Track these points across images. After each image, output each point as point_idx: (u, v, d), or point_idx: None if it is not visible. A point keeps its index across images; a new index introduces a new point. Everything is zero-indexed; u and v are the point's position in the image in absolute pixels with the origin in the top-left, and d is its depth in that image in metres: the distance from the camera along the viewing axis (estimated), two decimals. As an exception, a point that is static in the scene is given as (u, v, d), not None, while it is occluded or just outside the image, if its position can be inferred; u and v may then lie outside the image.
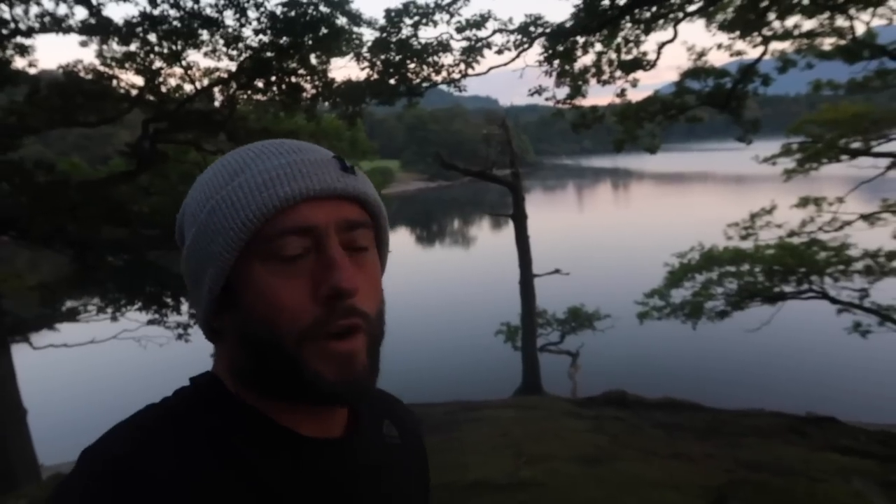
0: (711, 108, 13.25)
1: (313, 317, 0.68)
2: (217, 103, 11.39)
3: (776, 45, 12.50)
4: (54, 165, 10.07)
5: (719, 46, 12.65)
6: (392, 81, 10.46)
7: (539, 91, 12.55)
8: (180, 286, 9.71)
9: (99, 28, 10.16)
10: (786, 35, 12.03)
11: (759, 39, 12.24)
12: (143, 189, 14.00)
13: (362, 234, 0.73)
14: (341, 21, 10.86)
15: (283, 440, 0.72)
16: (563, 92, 12.99)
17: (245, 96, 12.18)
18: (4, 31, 9.08)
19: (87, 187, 8.87)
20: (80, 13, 17.72)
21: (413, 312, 23.90)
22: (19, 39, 9.73)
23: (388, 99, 10.54)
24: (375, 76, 10.52)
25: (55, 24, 9.69)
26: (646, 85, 14.66)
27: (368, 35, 11.32)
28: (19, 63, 10.29)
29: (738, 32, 12.13)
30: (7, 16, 9.13)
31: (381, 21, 10.91)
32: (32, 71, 10.83)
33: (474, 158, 22.75)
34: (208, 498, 0.64)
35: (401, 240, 47.52)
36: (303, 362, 0.68)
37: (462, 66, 11.18)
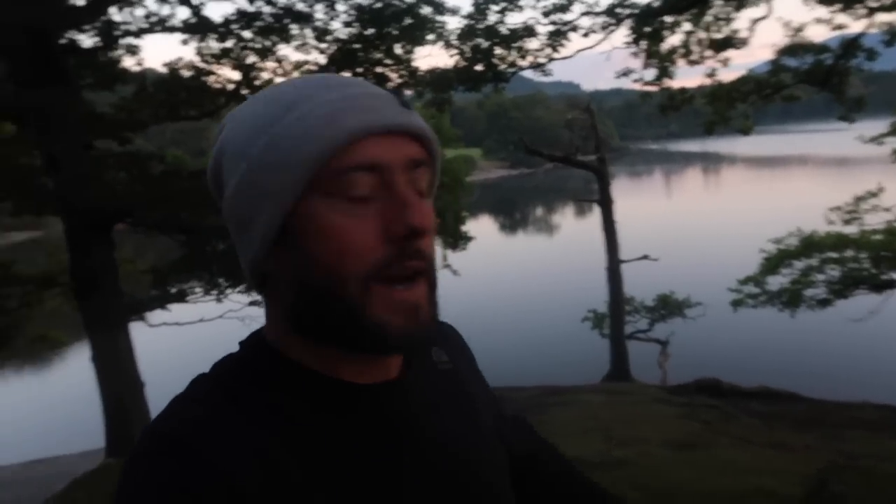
0: (810, 86, 12.60)
1: (382, 256, 0.65)
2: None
3: (882, 17, 11.75)
4: (164, 156, 10.72)
5: (819, 21, 11.99)
6: (479, 68, 10.51)
7: (625, 74, 12.31)
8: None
9: (199, 26, 10.71)
10: (893, 6, 11.29)
11: (863, 11, 11.53)
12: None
13: (423, 173, 0.69)
14: (425, 10, 11.03)
15: (340, 394, 0.69)
16: (649, 74, 12.69)
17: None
18: (115, 33, 9.70)
19: (197, 176, 9.42)
20: (182, 13, 18.53)
21: (498, 300, 23.96)
22: (128, 40, 10.40)
23: (475, 85, 10.59)
24: (463, 63, 10.59)
25: (159, 25, 10.29)
26: (738, 64, 14.04)
27: (453, 24, 11.42)
28: (128, 62, 11.01)
29: (839, 5, 11.47)
30: (118, 18, 9.76)
31: (466, 9, 10.99)
32: (139, 69, 11.58)
33: (556, 145, 22.51)
34: (272, 468, 0.62)
35: (484, 228, 47.62)
36: (367, 310, 0.65)
37: (548, 51, 11.11)
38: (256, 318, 10.81)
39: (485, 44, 10.39)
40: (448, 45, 10.58)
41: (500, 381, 13.56)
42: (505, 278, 27.64)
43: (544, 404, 8.94)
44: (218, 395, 0.66)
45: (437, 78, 10.75)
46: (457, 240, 15.99)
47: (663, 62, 12.76)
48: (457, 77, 10.69)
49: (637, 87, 13.20)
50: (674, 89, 13.19)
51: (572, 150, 16.18)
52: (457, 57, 10.78)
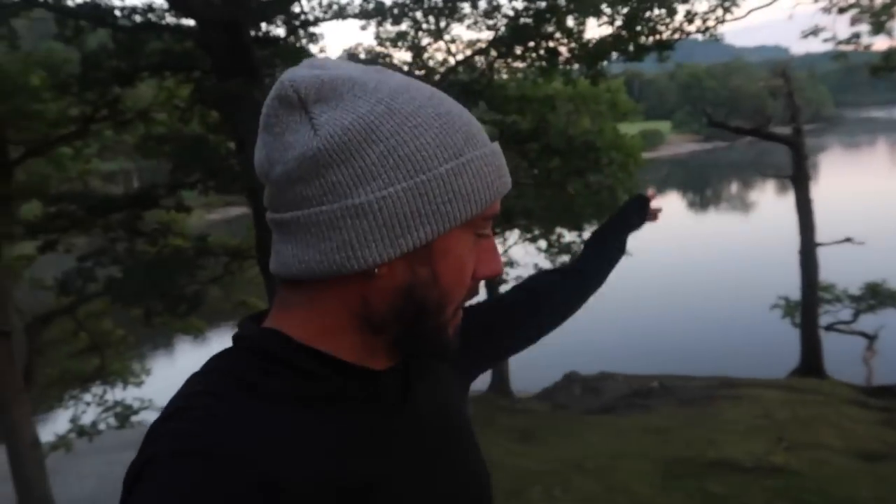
0: None
1: (471, 289, 0.76)
2: (477, 74, 11.85)
3: None
4: None
5: None
6: (640, 35, 9.81)
7: (814, 33, 10.92)
8: None
9: (375, 11, 11.16)
10: None
11: None
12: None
13: None
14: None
15: (365, 377, 0.74)
16: (847, 32, 11.13)
17: (504, 64, 12.48)
18: (296, 23, 10.39)
19: None
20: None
21: (677, 282, 22.76)
22: (311, 29, 11.10)
23: (635, 55, 9.90)
24: (616, 31, 9.96)
25: (339, 12, 10.86)
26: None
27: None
28: (312, 50, 11.76)
29: None
30: (299, 8, 10.44)
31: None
32: (323, 56, 12.34)
33: (758, 116, 20.71)
34: (301, 460, 0.64)
35: (671, 205, 45.27)
36: (447, 328, 0.74)
37: (719, 12, 10.11)
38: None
39: (639, 8, 9.62)
40: (598, 12, 9.95)
41: (671, 369, 12.92)
42: (692, 259, 26.14)
43: (713, 397, 8.34)
44: (229, 385, 0.67)
45: (591, 49, 10.19)
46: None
47: (878, 16, 11.15)
48: (611, 46, 10.06)
49: (851, 48, 11.69)
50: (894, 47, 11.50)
51: (765, 122, 14.73)
52: (607, 25, 10.14)
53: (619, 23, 9.96)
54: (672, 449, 5.34)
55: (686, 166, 67.52)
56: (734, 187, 56.76)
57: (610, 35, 10.01)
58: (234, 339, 0.74)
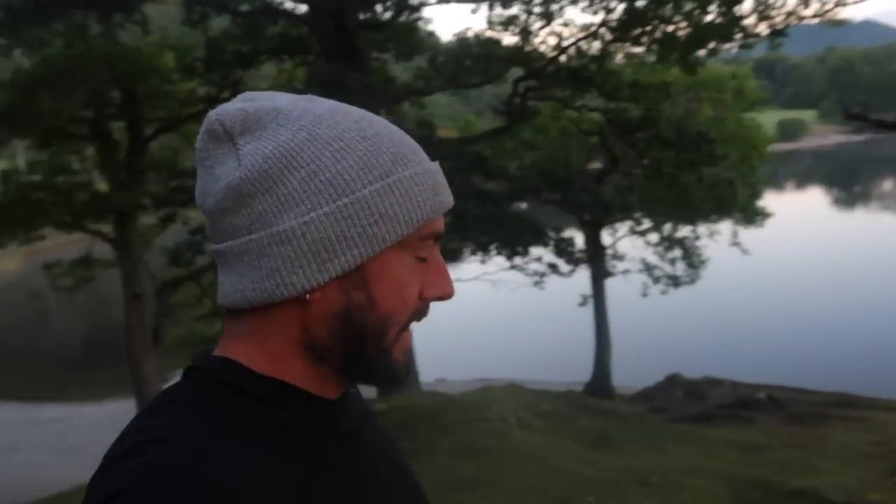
0: None
1: (416, 311, 0.74)
2: (587, 59, 11.43)
3: None
4: (432, 124, 11.41)
5: None
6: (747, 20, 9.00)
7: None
8: (535, 236, 10.30)
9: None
10: None
11: None
12: (525, 143, 14.99)
13: None
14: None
15: (319, 407, 0.74)
16: None
17: (618, 50, 11.98)
18: (403, 6, 10.45)
19: (448, 143, 9.84)
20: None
21: (811, 282, 21.15)
22: (422, 13, 11.15)
23: (745, 43, 9.11)
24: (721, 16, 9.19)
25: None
26: None
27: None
28: (422, 34, 11.82)
29: None
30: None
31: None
32: (433, 40, 12.37)
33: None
34: (269, 481, 0.65)
35: (812, 201, 42.15)
36: (392, 351, 0.73)
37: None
38: (508, 283, 11.14)
39: None
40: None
41: (785, 379, 11.96)
42: (823, 259, 24.19)
43: (826, 415, 7.63)
44: (192, 417, 0.67)
45: (694, 34, 9.47)
46: (752, 215, 14.40)
47: None
48: (712, 34, 9.29)
49: None
50: None
51: (918, 113, 13.17)
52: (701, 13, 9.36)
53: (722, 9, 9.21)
54: (758, 471, 4.91)
55: (831, 159, 62.40)
56: (888, 184, 51.93)
57: (713, 21, 9.28)
58: (190, 370, 0.73)
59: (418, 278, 0.73)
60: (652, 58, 11.75)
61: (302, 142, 0.68)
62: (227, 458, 0.64)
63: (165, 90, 12.76)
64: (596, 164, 15.06)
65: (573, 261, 11.83)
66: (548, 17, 11.91)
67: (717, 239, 15.49)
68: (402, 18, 10.60)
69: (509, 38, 11.95)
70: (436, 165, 0.74)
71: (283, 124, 0.69)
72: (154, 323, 12.81)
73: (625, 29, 11.25)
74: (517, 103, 11.00)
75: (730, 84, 13.47)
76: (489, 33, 11.94)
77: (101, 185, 13.19)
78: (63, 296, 14.71)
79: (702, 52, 10.18)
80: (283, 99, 0.73)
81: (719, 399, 9.83)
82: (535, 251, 11.95)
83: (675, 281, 14.79)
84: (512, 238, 10.53)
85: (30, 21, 9.66)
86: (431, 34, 12.24)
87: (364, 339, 0.71)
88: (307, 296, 0.69)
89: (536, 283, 12.35)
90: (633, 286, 15.17)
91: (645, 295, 15.08)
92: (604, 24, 11.40)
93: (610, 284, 14.55)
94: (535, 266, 12.19)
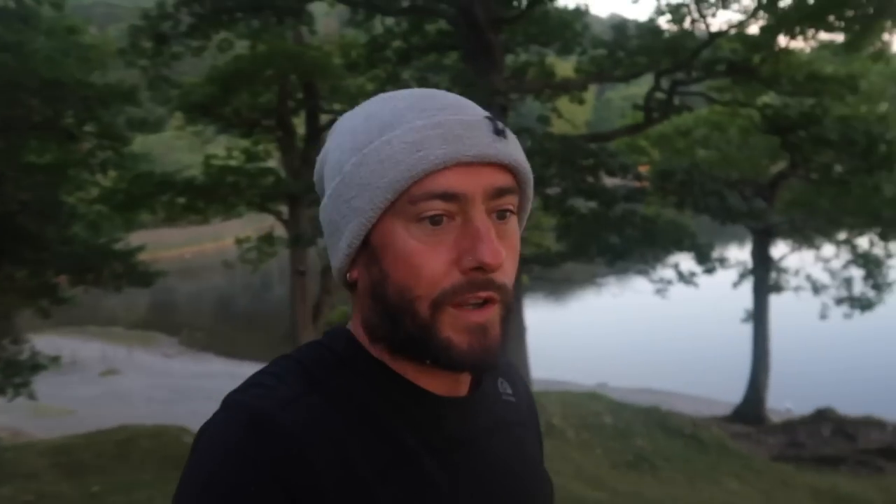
0: None
1: (451, 284, 0.68)
2: (747, 48, 10.24)
3: None
4: (548, 118, 11.05)
5: None
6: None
7: None
8: (642, 240, 9.53)
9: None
10: None
11: None
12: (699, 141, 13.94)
13: (508, 200, 0.70)
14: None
15: (415, 398, 0.73)
16: None
17: (796, 38, 10.62)
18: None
19: (568, 141, 9.42)
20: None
21: None
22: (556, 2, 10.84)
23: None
24: None
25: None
26: None
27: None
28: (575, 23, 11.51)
29: None
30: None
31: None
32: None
33: None
34: (342, 452, 0.67)
35: None
36: (436, 329, 0.68)
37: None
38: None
39: None
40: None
41: (871, 407, 9.59)
42: None
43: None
44: (299, 376, 0.71)
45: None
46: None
47: None
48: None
49: None
50: None
51: None
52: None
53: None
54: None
55: None
56: None
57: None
58: (324, 333, 0.80)
59: (445, 247, 0.68)
60: (839, 40, 10.26)
61: (333, 140, 0.75)
62: (306, 415, 0.67)
63: (339, 85, 13.93)
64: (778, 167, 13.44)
65: (710, 270, 10.75)
66: (719, 5, 10.98)
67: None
68: (535, 11, 10.35)
69: (668, 27, 11.18)
70: (429, 120, 0.68)
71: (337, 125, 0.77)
72: (316, 299, 14.08)
73: (818, 15, 9.94)
74: (659, 98, 10.27)
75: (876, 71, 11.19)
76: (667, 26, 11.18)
77: (280, 172, 14.76)
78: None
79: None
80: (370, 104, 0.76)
81: (871, 442, 8.48)
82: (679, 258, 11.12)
83: (861, 304, 12.60)
84: (650, 241, 9.89)
85: (216, 23, 11.06)
86: (587, 27, 11.82)
87: (394, 315, 0.70)
88: (347, 276, 0.73)
89: (658, 291, 11.42)
90: (804, 305, 13.32)
91: (824, 317, 13.11)
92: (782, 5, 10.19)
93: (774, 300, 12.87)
94: (662, 274, 11.32)
